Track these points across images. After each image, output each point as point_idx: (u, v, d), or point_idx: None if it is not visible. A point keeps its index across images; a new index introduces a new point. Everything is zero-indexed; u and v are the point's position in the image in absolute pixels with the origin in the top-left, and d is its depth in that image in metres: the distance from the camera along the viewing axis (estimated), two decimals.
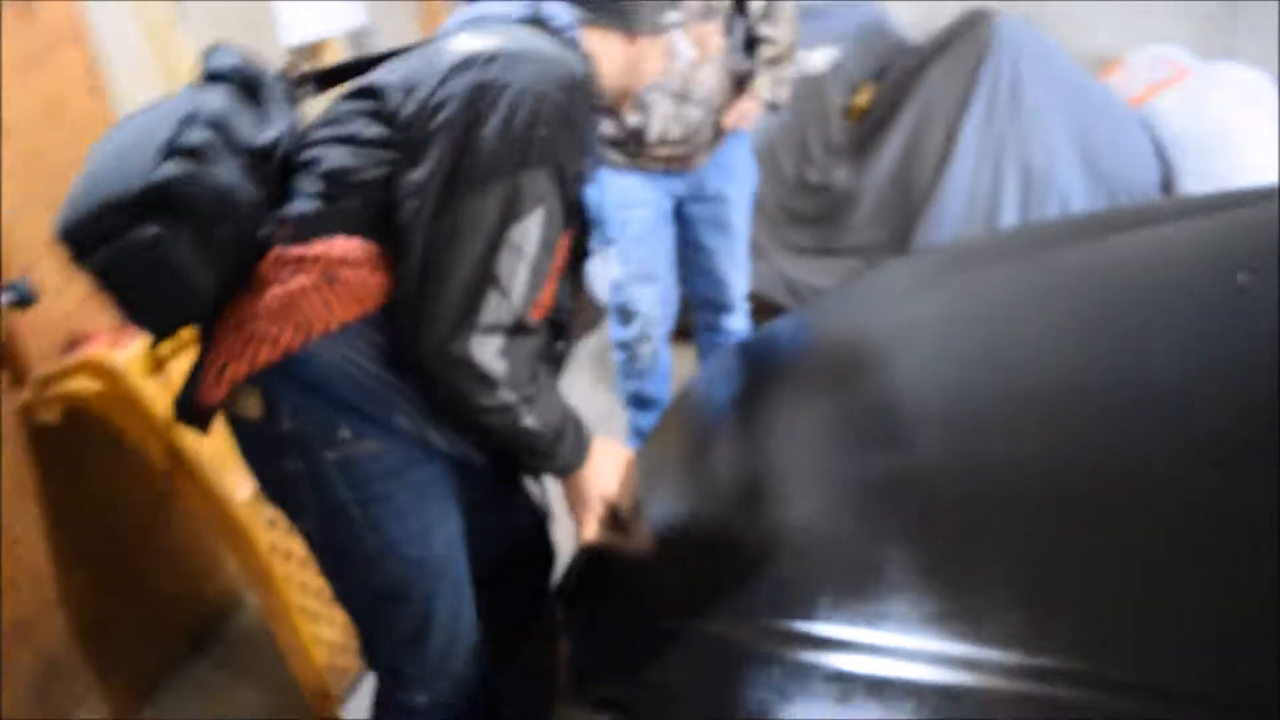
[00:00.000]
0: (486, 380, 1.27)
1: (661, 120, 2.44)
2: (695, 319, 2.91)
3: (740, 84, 2.53)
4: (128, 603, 2.44)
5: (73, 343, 2.23)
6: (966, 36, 3.37)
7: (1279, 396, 1.25)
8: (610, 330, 2.82)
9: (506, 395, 1.29)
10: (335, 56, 3.27)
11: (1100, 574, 1.07)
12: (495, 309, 1.26)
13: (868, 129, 3.52)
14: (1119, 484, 1.22)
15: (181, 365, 2.15)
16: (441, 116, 1.28)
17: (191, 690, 2.51)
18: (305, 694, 2.31)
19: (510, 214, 1.25)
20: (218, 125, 1.28)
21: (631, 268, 2.63)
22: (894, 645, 1.06)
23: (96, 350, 2.11)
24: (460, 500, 1.48)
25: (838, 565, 1.24)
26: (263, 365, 1.30)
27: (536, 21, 1.44)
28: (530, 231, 1.26)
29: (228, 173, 1.28)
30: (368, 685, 2.38)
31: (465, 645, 1.51)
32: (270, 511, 2.19)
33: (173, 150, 1.24)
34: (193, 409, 1.39)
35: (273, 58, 2.98)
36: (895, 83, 3.55)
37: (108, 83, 2.42)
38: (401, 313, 1.30)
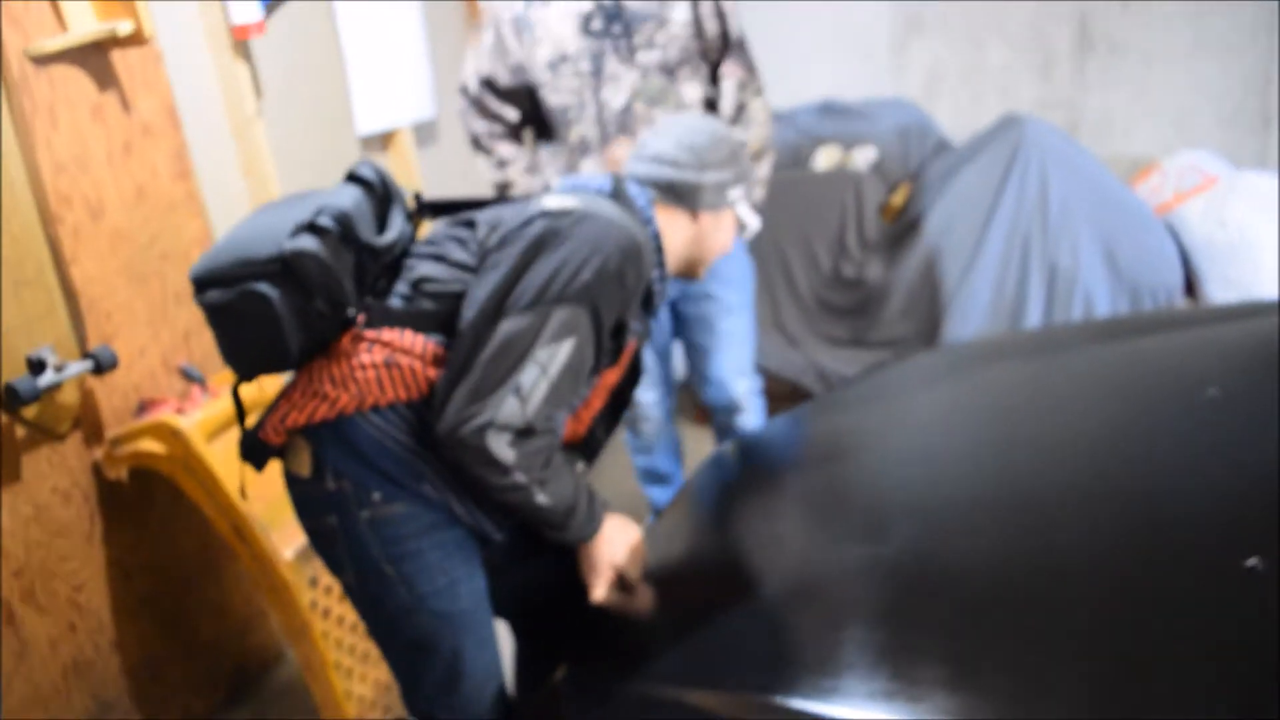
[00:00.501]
0: (498, 466, 1.45)
1: None
2: (712, 417, 3.04)
3: None
4: (178, 651, 2.61)
5: (143, 407, 2.44)
6: (998, 139, 3.51)
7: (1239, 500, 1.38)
8: None
9: (519, 478, 1.47)
10: (404, 145, 3.51)
11: (1030, 664, 1.19)
12: (511, 412, 1.43)
13: (902, 227, 3.67)
14: (1069, 582, 1.34)
15: (231, 438, 2.36)
16: (512, 249, 1.51)
17: None
18: None
19: (542, 338, 1.45)
20: (343, 220, 1.50)
21: None
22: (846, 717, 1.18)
23: (163, 415, 2.32)
24: (485, 561, 1.65)
25: (804, 645, 1.37)
26: (318, 421, 1.52)
27: (617, 194, 1.65)
28: (558, 356, 1.46)
29: (340, 260, 1.49)
30: None
31: (492, 692, 1.67)
32: (312, 570, 2.36)
33: (303, 228, 1.47)
34: (255, 447, 1.60)
35: (347, 147, 3.25)
36: (929, 182, 3.69)
37: (194, 169, 2.66)
38: (435, 394, 1.48)
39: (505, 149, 2.72)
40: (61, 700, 2.32)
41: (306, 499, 1.60)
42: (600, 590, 1.60)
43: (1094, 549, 1.39)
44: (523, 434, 1.46)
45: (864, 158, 3.91)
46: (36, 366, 2.22)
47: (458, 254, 1.58)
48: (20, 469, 2.24)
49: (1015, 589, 1.36)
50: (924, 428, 1.93)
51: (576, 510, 1.55)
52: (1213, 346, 1.93)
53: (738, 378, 2.87)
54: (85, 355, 2.32)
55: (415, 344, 1.52)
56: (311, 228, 1.47)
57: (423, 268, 1.58)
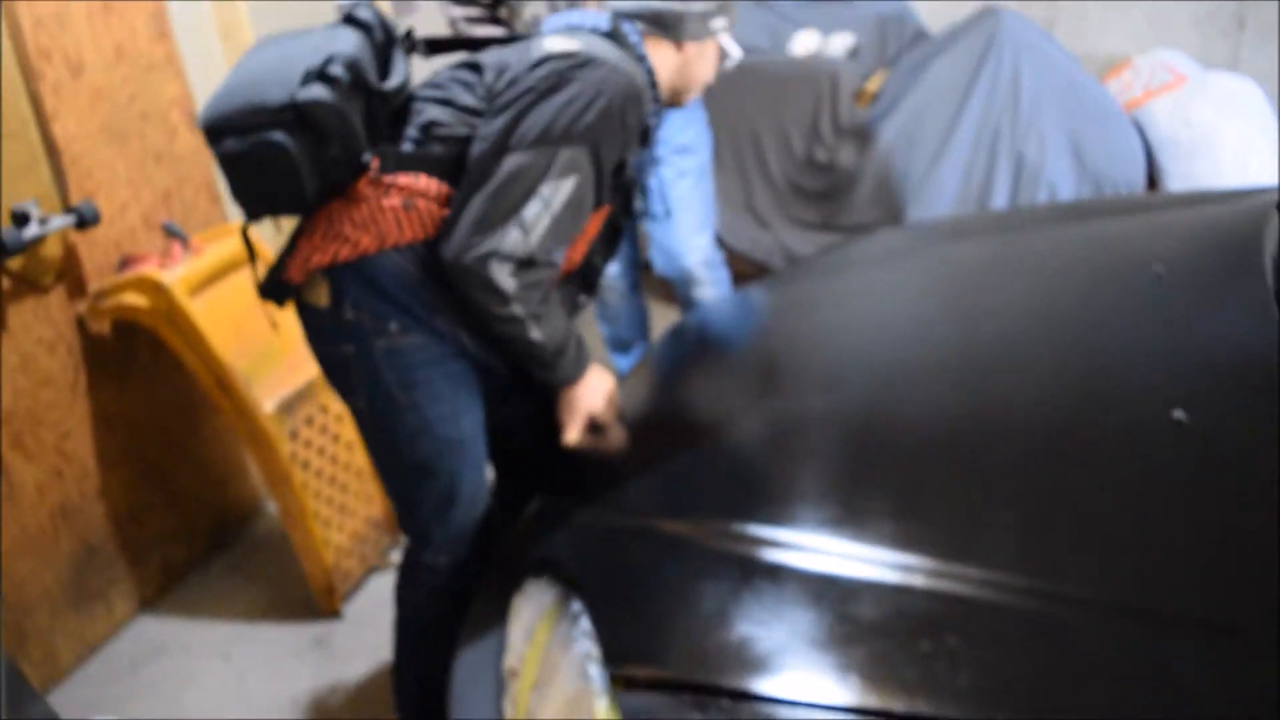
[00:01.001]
0: (499, 294, 1.52)
1: None
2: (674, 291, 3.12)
3: None
4: (161, 501, 2.71)
5: (125, 262, 2.49)
6: (973, 30, 3.54)
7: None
8: None
9: (516, 309, 1.54)
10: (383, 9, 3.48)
11: (967, 499, 1.30)
12: (515, 242, 1.51)
13: (875, 114, 3.71)
14: (1009, 432, 1.45)
15: (218, 291, 2.42)
16: (519, 89, 1.56)
17: (209, 584, 2.78)
18: (313, 589, 2.57)
19: (547, 174, 1.52)
20: (353, 67, 1.52)
21: None
22: (798, 541, 1.28)
23: (146, 269, 2.37)
24: (485, 396, 1.74)
25: (762, 480, 1.48)
26: (341, 262, 1.59)
27: (614, 35, 1.70)
28: (560, 192, 1.53)
29: (351, 107, 1.53)
30: (368, 587, 2.67)
31: (482, 517, 1.78)
32: (292, 424, 2.45)
33: (318, 77, 1.50)
34: (276, 286, 1.67)
35: (325, 11, 3.22)
36: (903, 71, 3.73)
37: (172, 30, 2.65)
38: (445, 225, 1.56)
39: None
40: (49, 542, 2.41)
41: (323, 328, 1.67)
42: (574, 433, 1.69)
43: (1032, 403, 1.50)
44: (524, 264, 1.53)
45: (841, 44, 3.93)
46: (20, 219, 2.25)
47: (465, 98, 1.63)
48: (6, 319, 2.29)
49: (958, 436, 1.47)
50: (882, 297, 2.02)
51: (565, 352, 1.63)
52: (1162, 229, 2.02)
53: (691, 248, 2.91)
54: (68, 210, 2.36)
55: (430, 187, 1.59)
56: (323, 76, 1.50)
57: (430, 111, 1.63)
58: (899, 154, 3.57)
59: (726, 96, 3.91)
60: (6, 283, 2.28)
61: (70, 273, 2.42)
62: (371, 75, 1.57)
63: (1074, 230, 2.16)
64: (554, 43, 1.63)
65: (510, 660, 1.36)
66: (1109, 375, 1.54)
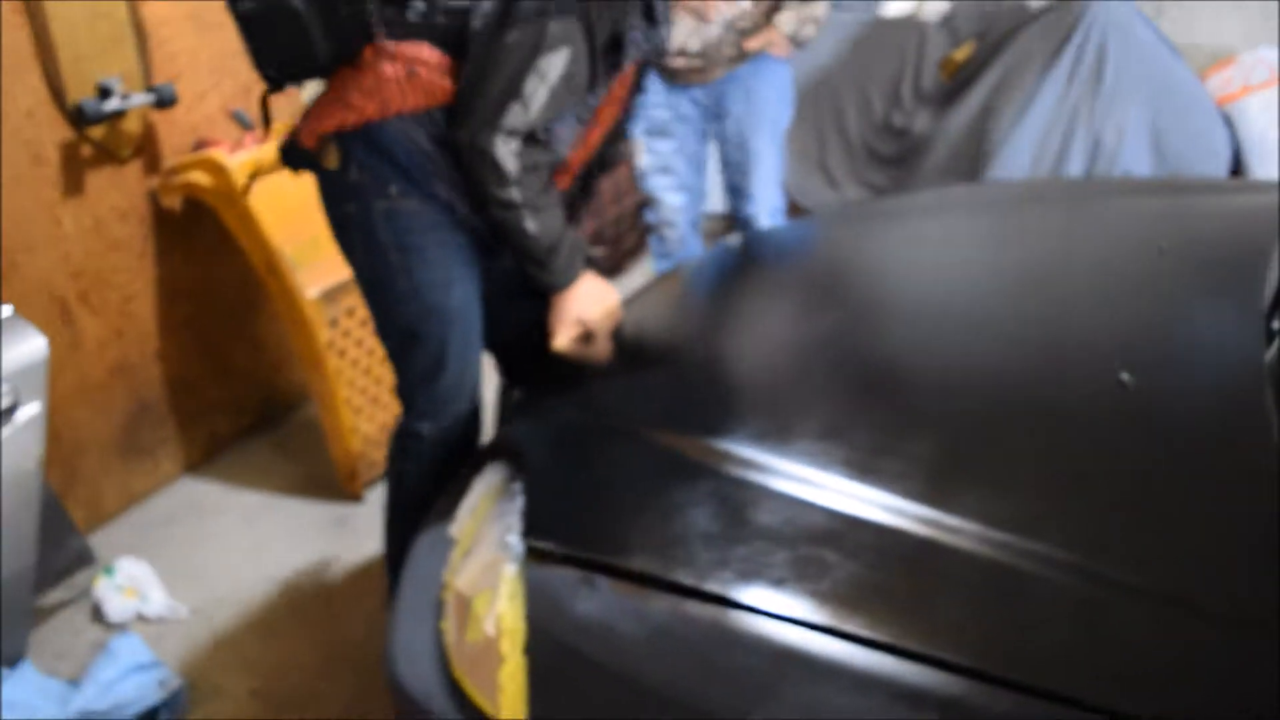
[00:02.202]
0: (500, 172, 1.57)
1: (681, 33, 2.66)
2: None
3: (770, 14, 2.68)
4: (214, 372, 2.90)
5: (199, 145, 2.65)
6: (1065, 6, 3.47)
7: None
8: (645, 212, 3.13)
9: (514, 194, 1.59)
10: None
11: (945, 441, 1.35)
12: (516, 116, 1.56)
13: (958, 83, 3.67)
14: (1025, 391, 1.49)
15: (277, 180, 2.56)
16: None
17: (249, 457, 2.98)
18: (337, 473, 2.73)
19: (540, 47, 1.56)
20: None
21: (651, 159, 2.91)
22: (801, 474, 1.30)
23: (215, 152, 2.52)
24: (481, 269, 1.80)
25: (748, 403, 1.54)
26: (348, 127, 1.66)
27: None
28: (555, 64, 1.57)
29: None
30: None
31: (467, 390, 1.84)
32: (333, 312, 2.59)
33: None
34: (293, 152, 1.77)
35: None
36: (991, 41, 3.67)
37: None
38: (458, 106, 1.61)
39: None
40: (106, 394, 2.62)
41: (331, 188, 1.74)
42: (562, 339, 1.74)
43: (1003, 359, 1.55)
44: (527, 141, 1.58)
45: (934, 10, 3.88)
46: (103, 92, 2.43)
47: None
48: (84, 184, 2.48)
49: (943, 384, 1.52)
50: (916, 247, 2.05)
51: (558, 251, 1.66)
52: (1188, 211, 2.01)
53: (763, 195, 2.95)
54: (149, 89, 2.52)
55: (432, 56, 1.63)
56: None
57: None
58: (974, 126, 3.54)
59: (810, 49, 3.94)
60: (86, 150, 2.46)
61: (147, 149, 2.60)
62: None
63: (1103, 205, 2.15)
64: None
65: (453, 529, 1.47)
66: (1073, 339, 1.58)
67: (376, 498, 2.75)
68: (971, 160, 3.55)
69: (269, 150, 2.59)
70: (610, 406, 1.63)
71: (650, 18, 1.72)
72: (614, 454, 1.46)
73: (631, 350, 1.79)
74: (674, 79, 2.79)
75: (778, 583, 1.12)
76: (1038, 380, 1.49)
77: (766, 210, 2.96)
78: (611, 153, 1.88)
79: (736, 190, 2.99)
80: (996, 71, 3.54)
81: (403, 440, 1.89)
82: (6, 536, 1.86)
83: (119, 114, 2.46)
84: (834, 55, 3.89)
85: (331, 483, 2.78)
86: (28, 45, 2.29)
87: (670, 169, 2.91)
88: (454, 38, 1.63)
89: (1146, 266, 1.77)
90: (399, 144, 1.64)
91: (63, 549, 2.41)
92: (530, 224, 1.62)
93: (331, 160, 1.69)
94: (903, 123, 3.74)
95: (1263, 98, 3.44)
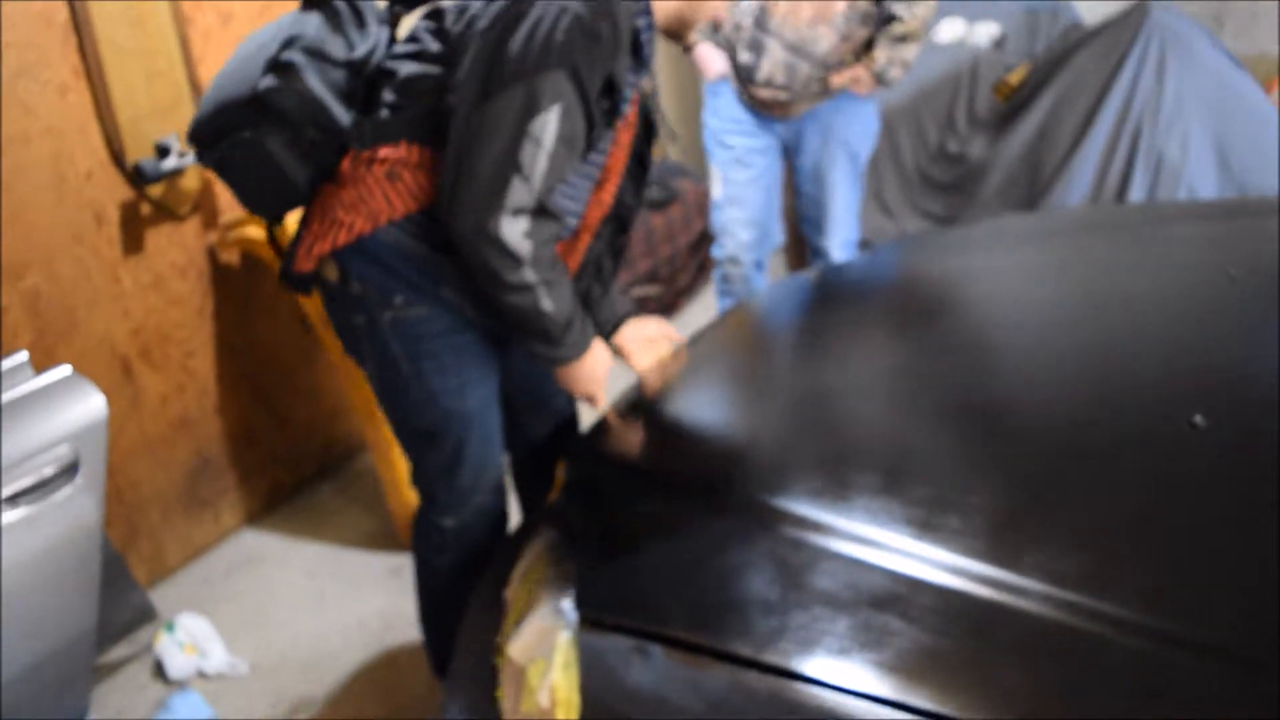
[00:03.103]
0: (513, 257, 1.45)
1: (770, 64, 2.64)
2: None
3: (860, 51, 2.65)
4: (273, 424, 2.92)
5: None
6: (1120, 23, 3.39)
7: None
8: (711, 247, 3.07)
9: (529, 275, 1.48)
10: None
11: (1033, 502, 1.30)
12: (519, 192, 1.43)
13: (1012, 107, 3.60)
14: (1096, 439, 1.42)
15: None
16: (480, 27, 1.48)
17: (309, 508, 2.99)
18: (395, 523, 2.73)
19: (530, 109, 1.42)
20: (310, 49, 1.52)
21: (725, 190, 2.87)
22: (861, 533, 1.24)
23: None
24: (498, 365, 1.73)
25: (831, 462, 1.48)
26: (341, 246, 1.58)
27: None
28: (549, 125, 1.43)
29: (319, 86, 1.52)
30: None
31: (489, 483, 1.79)
32: None
33: (270, 67, 1.51)
34: (290, 278, 1.71)
35: None
36: (1045, 63, 3.60)
37: None
38: (442, 195, 1.49)
39: None
40: (167, 448, 2.65)
41: (335, 302, 1.68)
42: (600, 399, 1.71)
43: (1068, 402, 1.49)
44: (535, 216, 1.46)
45: (986, 33, 3.82)
46: (162, 151, 2.47)
47: (434, 46, 1.57)
48: (144, 241, 2.52)
49: (1004, 430, 1.46)
50: (977, 283, 1.99)
51: (573, 325, 1.57)
52: (1257, 235, 1.94)
53: (837, 231, 2.89)
54: None
55: (413, 154, 1.54)
56: (277, 65, 1.50)
57: (405, 69, 1.58)
58: (1031, 149, 3.47)
59: None
60: (146, 208, 2.50)
61: (204, 205, 2.63)
62: (337, 48, 1.56)
63: (1186, 230, 2.08)
64: None
65: (507, 593, 1.44)
66: (1149, 378, 1.51)
67: None
68: (1030, 185, 3.48)
69: None
70: (663, 466, 1.59)
71: (636, 54, 1.59)
72: (666, 517, 1.42)
73: (685, 401, 1.76)
74: (759, 109, 2.78)
75: (839, 653, 1.08)
76: (1103, 424, 1.42)
77: (839, 243, 2.92)
78: (634, 202, 1.77)
79: (811, 222, 2.94)
80: (1053, 93, 3.47)
81: (425, 530, 1.85)
82: (68, 597, 1.87)
83: (177, 172, 2.50)
84: None
85: (389, 533, 2.78)
86: (88, 108, 2.34)
87: (742, 201, 2.88)
88: (432, 124, 1.53)
89: (1216, 296, 1.70)
90: (396, 253, 1.57)
91: (125, 605, 2.43)
92: (547, 303, 1.52)
93: (332, 273, 1.63)
94: (958, 149, 3.68)
95: None
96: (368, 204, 1.56)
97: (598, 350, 1.67)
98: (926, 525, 1.22)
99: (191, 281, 2.65)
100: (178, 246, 2.60)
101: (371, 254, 1.58)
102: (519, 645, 1.30)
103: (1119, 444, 1.37)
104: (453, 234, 1.48)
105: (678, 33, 1.69)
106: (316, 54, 1.54)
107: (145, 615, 2.47)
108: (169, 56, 2.48)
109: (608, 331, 1.85)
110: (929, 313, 1.92)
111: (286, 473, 3.00)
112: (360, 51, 1.60)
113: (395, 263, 1.57)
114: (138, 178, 2.44)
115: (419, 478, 1.81)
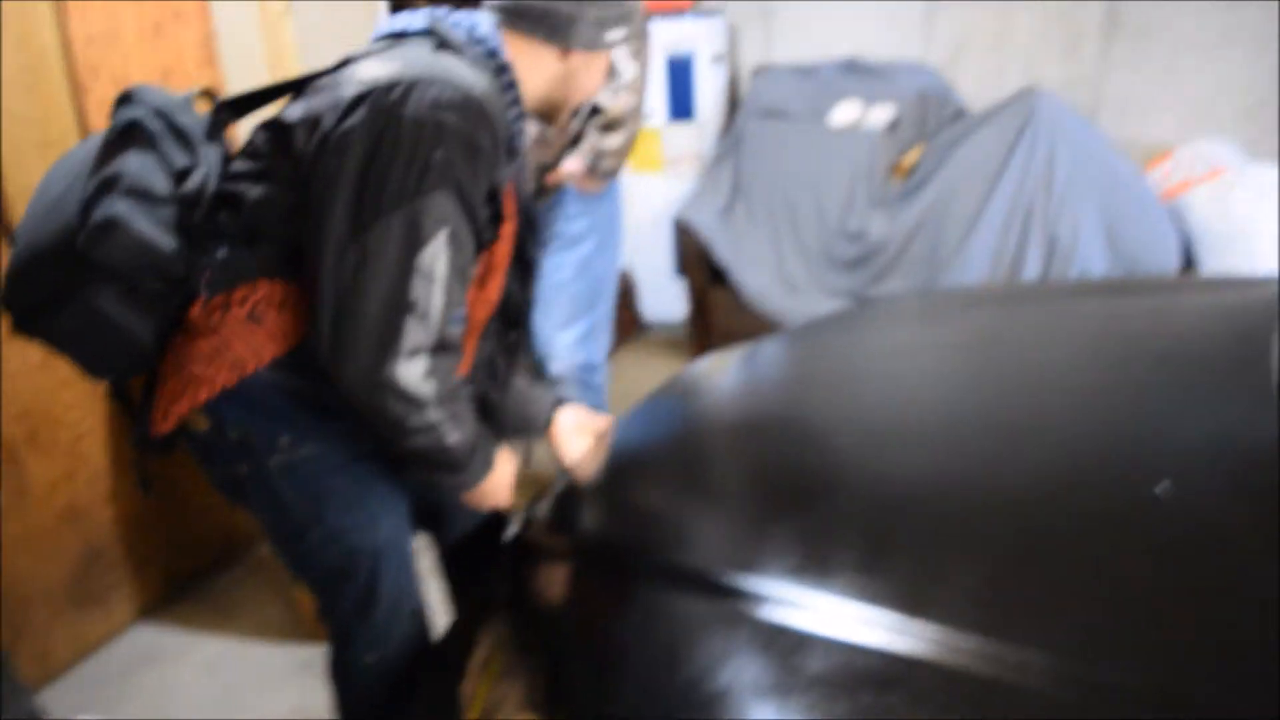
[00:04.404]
0: (415, 402, 1.31)
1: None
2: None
3: (572, 145, 2.54)
4: (169, 512, 2.76)
5: None
6: (1010, 110, 3.56)
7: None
8: None
9: (433, 415, 1.34)
10: None
11: (931, 558, 1.29)
12: (415, 333, 1.29)
13: (910, 187, 3.73)
14: (988, 493, 1.43)
15: None
16: (341, 154, 1.29)
17: (209, 598, 2.81)
18: (304, 614, 2.58)
19: (415, 241, 1.27)
20: (133, 189, 1.31)
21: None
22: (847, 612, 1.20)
23: None
24: (405, 487, 1.58)
25: (803, 538, 1.45)
26: (202, 402, 1.39)
27: (439, 39, 1.41)
28: (438, 255, 1.29)
29: (150, 229, 1.32)
30: None
31: (408, 612, 1.63)
32: None
33: (87, 216, 1.29)
34: (148, 443, 1.46)
35: None
36: (940, 146, 3.75)
37: (220, 57, 2.75)
38: (322, 349, 1.31)
39: None
40: (54, 541, 2.46)
41: (210, 451, 1.46)
42: (509, 501, 1.59)
43: (1006, 469, 1.49)
44: (434, 353, 1.33)
45: (881, 116, 3.96)
46: None
47: (282, 166, 1.37)
48: None
49: (933, 497, 1.45)
50: (876, 359, 2.02)
51: (478, 449, 1.46)
52: (1173, 310, 2.02)
53: (553, 344, 2.72)
54: None
55: (274, 291, 1.37)
56: (100, 219, 1.29)
57: (251, 193, 1.37)
58: (931, 227, 3.58)
59: (763, 160, 3.99)
60: None
61: None
62: (160, 185, 1.35)
63: (1087, 306, 2.15)
64: (368, 69, 1.34)
65: (464, 687, 1.36)
66: (1088, 445, 1.53)
67: None
68: (929, 263, 3.58)
69: None
70: (624, 544, 1.53)
71: (511, 153, 1.48)
72: (635, 601, 1.37)
73: (631, 480, 1.72)
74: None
75: None
76: (1077, 494, 1.44)
77: (561, 358, 2.78)
78: (521, 296, 1.64)
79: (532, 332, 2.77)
80: (946, 175, 3.60)
81: (343, 670, 1.68)
82: None
83: None
84: (784, 165, 3.94)
85: (298, 622, 2.63)
86: None
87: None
88: (290, 259, 1.36)
89: (1135, 373, 1.75)
90: (275, 393, 1.39)
91: (14, 708, 2.22)
92: (452, 437, 1.39)
93: (201, 424, 1.41)
94: (859, 227, 3.77)
95: (1206, 191, 3.53)
96: (229, 354, 1.37)
97: (502, 464, 1.55)
98: (915, 600, 1.20)
99: None
100: None
101: (245, 400, 1.39)
102: None
103: (1092, 516, 1.37)
104: (341, 385, 1.32)
105: (548, 117, 1.59)
106: (141, 194, 1.32)
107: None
108: (62, 125, 2.37)
109: (541, 427, 1.75)
110: (860, 387, 1.94)
111: (184, 561, 2.83)
112: (193, 182, 1.37)
113: (275, 401, 1.40)
114: None
115: (331, 619, 1.64)
